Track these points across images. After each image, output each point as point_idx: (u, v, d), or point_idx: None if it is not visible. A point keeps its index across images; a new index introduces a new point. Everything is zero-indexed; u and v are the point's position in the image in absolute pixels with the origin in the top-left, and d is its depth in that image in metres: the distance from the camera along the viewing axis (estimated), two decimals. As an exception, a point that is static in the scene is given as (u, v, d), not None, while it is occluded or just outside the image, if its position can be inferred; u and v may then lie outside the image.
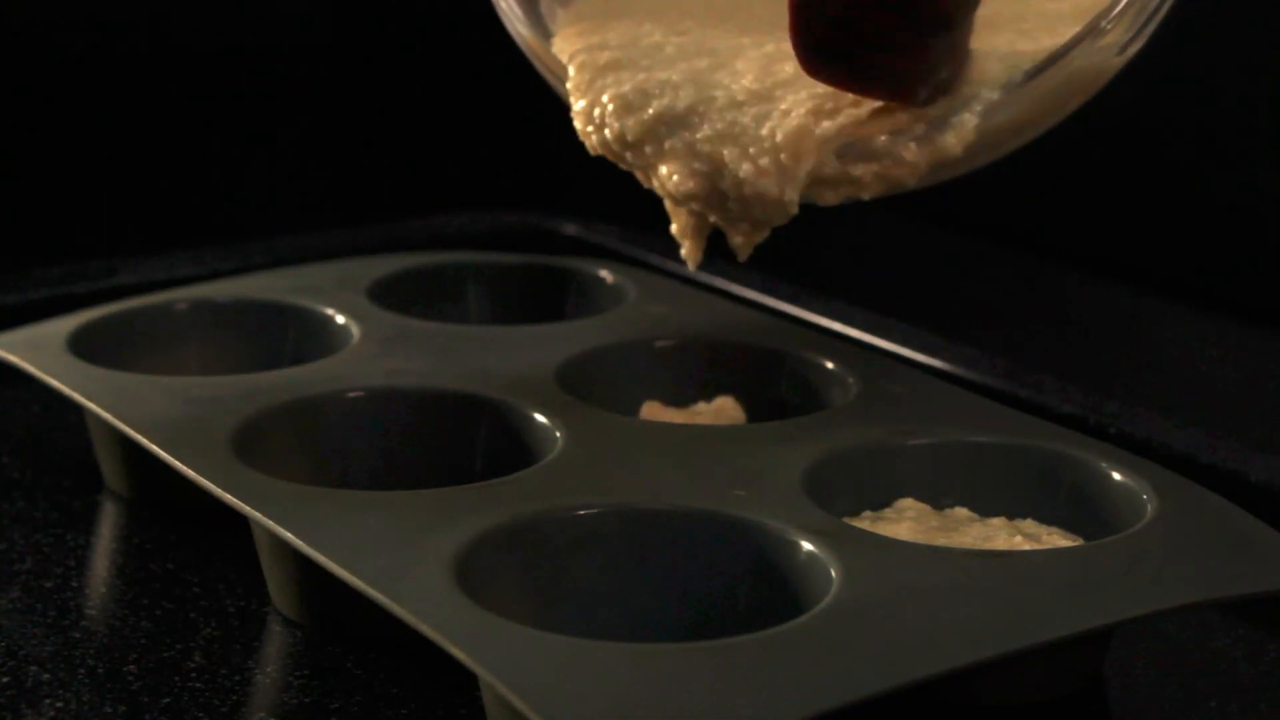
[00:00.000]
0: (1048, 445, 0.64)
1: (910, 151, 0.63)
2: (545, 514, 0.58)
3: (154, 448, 0.63)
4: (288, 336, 0.75)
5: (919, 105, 0.63)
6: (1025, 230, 0.89)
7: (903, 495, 0.62)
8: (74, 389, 0.67)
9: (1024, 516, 0.61)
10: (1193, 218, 0.84)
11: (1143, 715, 0.59)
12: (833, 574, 0.55)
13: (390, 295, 0.77)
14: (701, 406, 0.70)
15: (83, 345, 0.71)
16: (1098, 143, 0.86)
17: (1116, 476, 0.62)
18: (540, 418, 0.65)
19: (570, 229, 0.94)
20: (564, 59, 0.67)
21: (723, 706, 0.49)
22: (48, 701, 0.57)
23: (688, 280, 0.85)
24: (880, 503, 0.62)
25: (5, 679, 0.58)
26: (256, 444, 0.63)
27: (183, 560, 0.66)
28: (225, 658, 0.59)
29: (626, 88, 0.65)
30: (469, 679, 0.55)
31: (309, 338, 0.74)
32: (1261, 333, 0.81)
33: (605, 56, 0.67)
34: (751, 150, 0.63)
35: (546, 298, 0.80)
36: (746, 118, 0.64)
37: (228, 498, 0.59)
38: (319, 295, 0.76)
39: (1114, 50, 0.64)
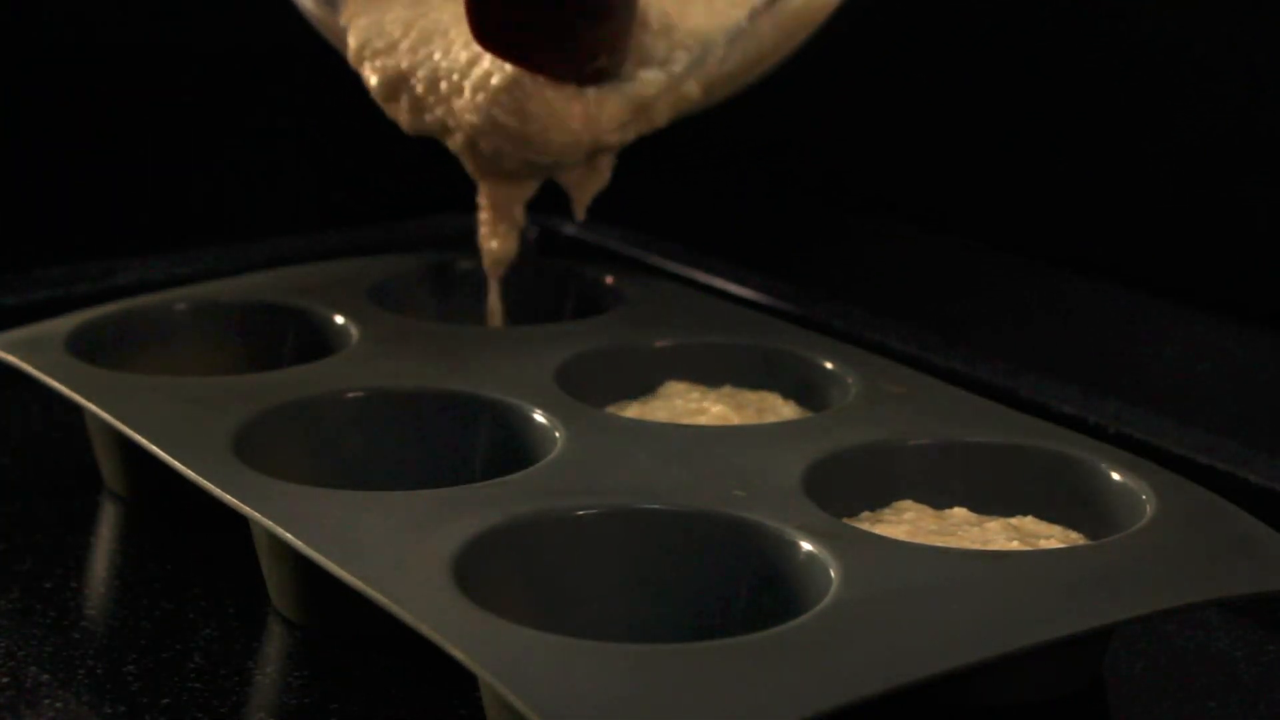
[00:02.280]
0: (1048, 445, 0.64)
1: (663, 105, 0.72)
2: (545, 514, 0.58)
3: (154, 448, 0.63)
4: (288, 336, 0.75)
5: (579, 84, 0.71)
6: (1025, 230, 0.89)
7: (902, 495, 0.62)
8: (74, 389, 0.67)
9: (1024, 516, 0.61)
10: (1192, 218, 0.84)
11: (1143, 715, 0.59)
12: (832, 574, 0.55)
13: (390, 295, 0.77)
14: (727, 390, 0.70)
15: (82, 345, 0.71)
16: (1098, 144, 0.86)
17: (1116, 476, 0.62)
18: (540, 418, 0.65)
19: (570, 229, 0.94)
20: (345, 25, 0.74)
21: (723, 706, 0.49)
22: (47, 702, 0.57)
23: (687, 281, 0.85)
24: (880, 503, 0.62)
25: (5, 679, 0.58)
26: (256, 444, 0.63)
27: (183, 560, 0.66)
28: (225, 658, 0.59)
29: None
30: (469, 679, 0.55)
31: (309, 338, 0.74)
32: (1261, 333, 0.81)
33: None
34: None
35: (546, 298, 0.80)
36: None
37: (227, 498, 0.59)
38: (319, 295, 0.76)
39: None
